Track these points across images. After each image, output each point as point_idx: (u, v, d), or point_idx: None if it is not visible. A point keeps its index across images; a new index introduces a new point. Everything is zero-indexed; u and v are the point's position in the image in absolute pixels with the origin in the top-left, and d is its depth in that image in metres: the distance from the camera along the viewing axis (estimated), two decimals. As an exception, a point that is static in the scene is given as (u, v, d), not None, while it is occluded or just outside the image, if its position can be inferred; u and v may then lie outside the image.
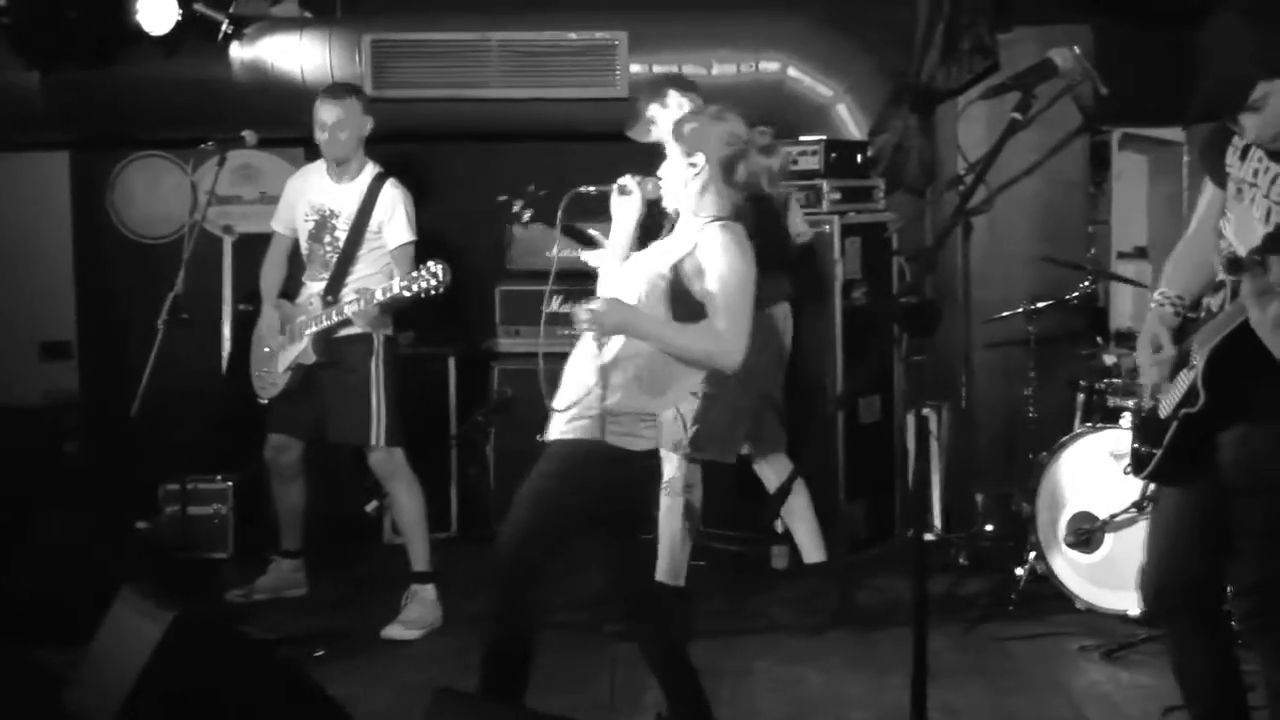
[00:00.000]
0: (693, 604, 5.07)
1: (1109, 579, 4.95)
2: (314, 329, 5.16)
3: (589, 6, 6.55)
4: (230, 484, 6.11)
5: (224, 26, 6.42)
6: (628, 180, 3.81)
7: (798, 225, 5.45)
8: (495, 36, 6.44)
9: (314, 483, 5.56)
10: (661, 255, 3.63)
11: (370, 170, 5.21)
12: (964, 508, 6.18)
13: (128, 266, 7.02)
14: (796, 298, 5.33)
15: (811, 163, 5.90)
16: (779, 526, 5.58)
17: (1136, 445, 3.32)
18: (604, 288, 3.75)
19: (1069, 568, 5.10)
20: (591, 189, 3.81)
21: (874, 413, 6.10)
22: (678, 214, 3.73)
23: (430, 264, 4.72)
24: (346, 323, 5.06)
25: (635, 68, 6.37)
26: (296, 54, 6.48)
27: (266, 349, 5.38)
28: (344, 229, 5.18)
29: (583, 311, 3.45)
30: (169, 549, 5.70)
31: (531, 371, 6.06)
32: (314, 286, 5.25)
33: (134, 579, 3.89)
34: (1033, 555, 5.21)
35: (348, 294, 5.09)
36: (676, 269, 3.55)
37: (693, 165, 3.63)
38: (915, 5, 6.29)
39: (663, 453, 4.97)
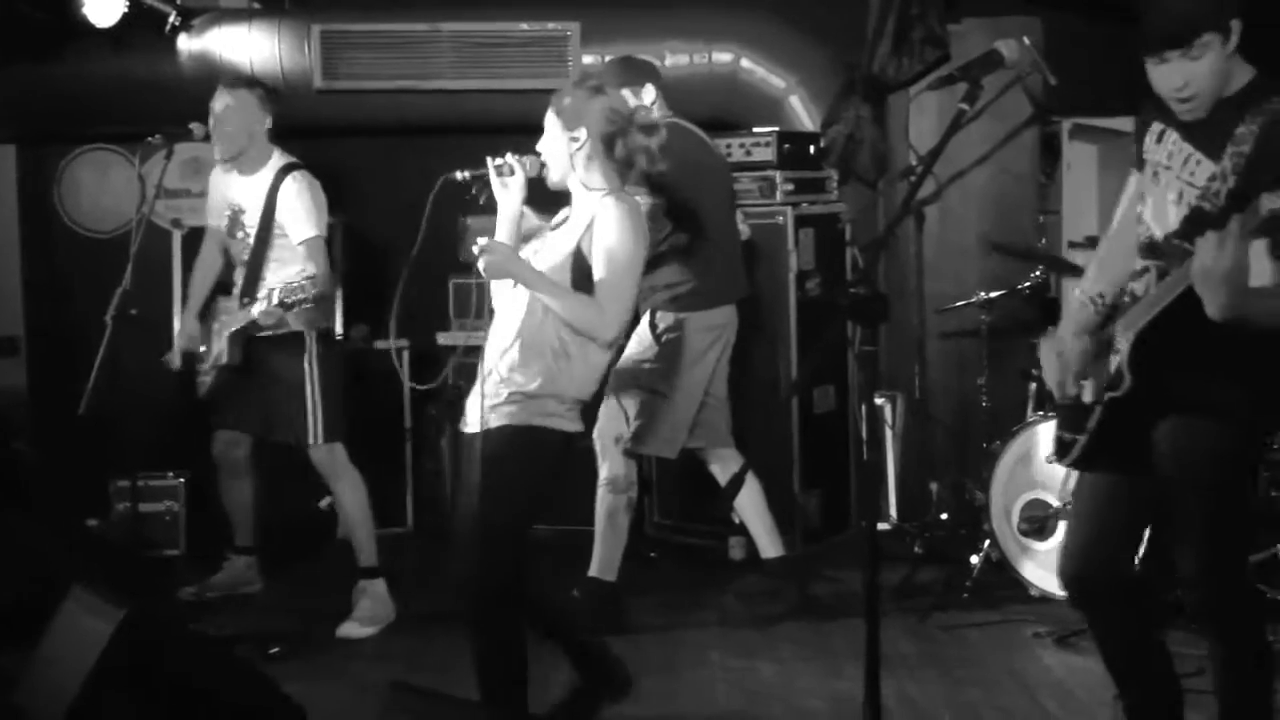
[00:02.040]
0: (626, 599, 5.08)
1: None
2: (230, 330, 5.10)
3: (541, -2, 6.54)
4: (182, 480, 6.06)
5: (172, 18, 6.35)
6: (509, 159, 3.73)
7: (741, 228, 5.47)
8: (446, 27, 6.41)
9: (266, 479, 5.52)
10: (567, 235, 3.69)
11: (276, 163, 5.09)
12: (919, 497, 6.21)
13: (76, 261, 6.94)
14: (756, 300, 5.34)
15: (765, 154, 5.90)
16: (735, 519, 5.58)
17: (1060, 433, 3.30)
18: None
19: (1022, 555, 5.15)
20: (466, 174, 3.73)
21: (828, 403, 6.12)
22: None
23: (307, 272, 4.72)
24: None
25: (588, 59, 6.35)
26: (245, 46, 6.42)
27: (202, 347, 5.32)
28: (252, 226, 5.09)
29: (474, 247, 3.58)
30: (120, 546, 5.65)
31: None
32: (238, 283, 5.18)
33: (84, 577, 3.85)
34: (987, 544, 5.25)
35: (263, 292, 4.97)
36: (579, 248, 3.63)
37: (575, 140, 3.68)
38: (867, -3, 6.31)
39: (599, 447, 5.01)
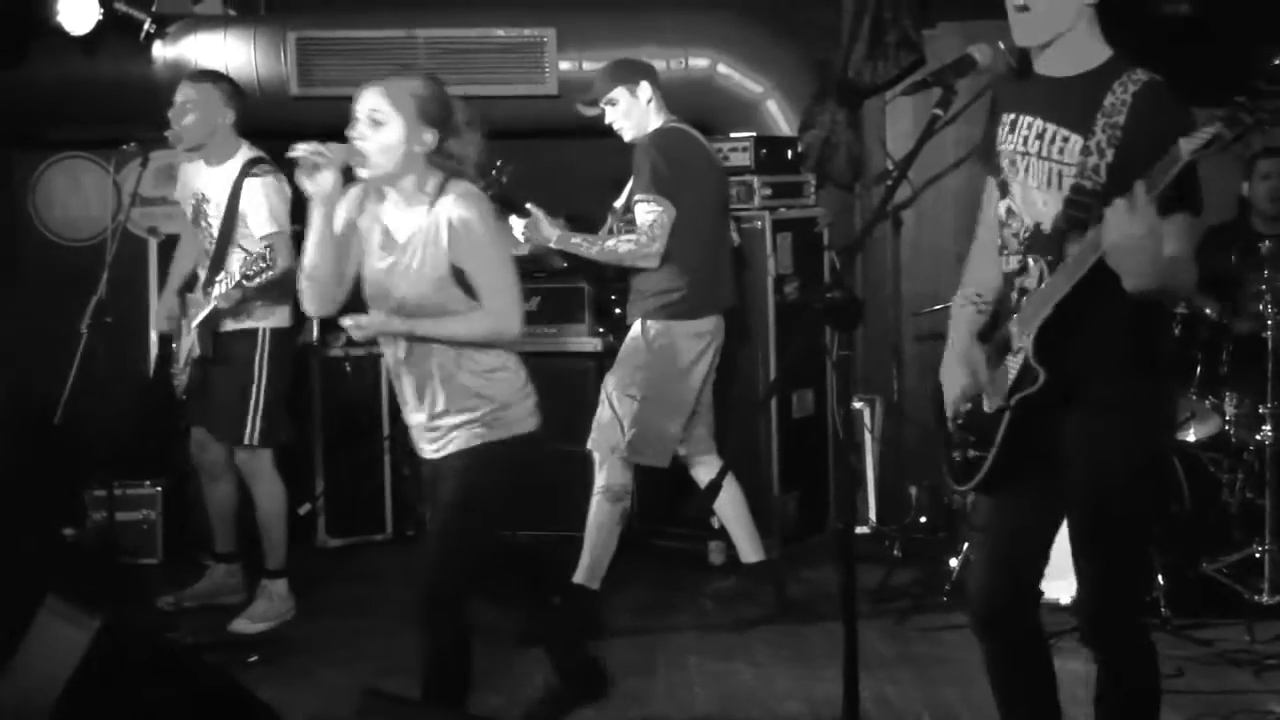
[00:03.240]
0: (603, 604, 5.07)
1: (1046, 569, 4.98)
2: (197, 320, 5.07)
3: (518, 3, 6.53)
4: (159, 489, 6.01)
5: (146, 25, 6.32)
6: (310, 149, 3.40)
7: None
8: (422, 33, 6.39)
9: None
10: (424, 251, 3.49)
11: (243, 155, 5.07)
12: (897, 500, 6.23)
13: (50, 269, 6.91)
14: (735, 305, 5.35)
15: (742, 159, 5.91)
16: (715, 523, 5.59)
17: (957, 454, 3.10)
18: (373, 285, 3.59)
19: (1000, 557, 5.15)
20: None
21: (806, 407, 6.13)
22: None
23: (265, 249, 4.68)
24: (225, 314, 4.98)
25: (564, 65, 6.35)
26: (220, 53, 6.39)
27: (174, 345, 5.30)
28: (216, 216, 5.05)
29: (350, 327, 3.48)
30: (96, 555, 5.62)
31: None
32: (202, 275, 5.15)
33: (60, 586, 3.83)
34: (965, 546, 5.25)
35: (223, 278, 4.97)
36: (451, 265, 3.47)
37: (422, 142, 3.46)
38: (842, 1, 6.33)
39: (598, 457, 5.00)
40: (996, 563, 3.08)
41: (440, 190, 3.50)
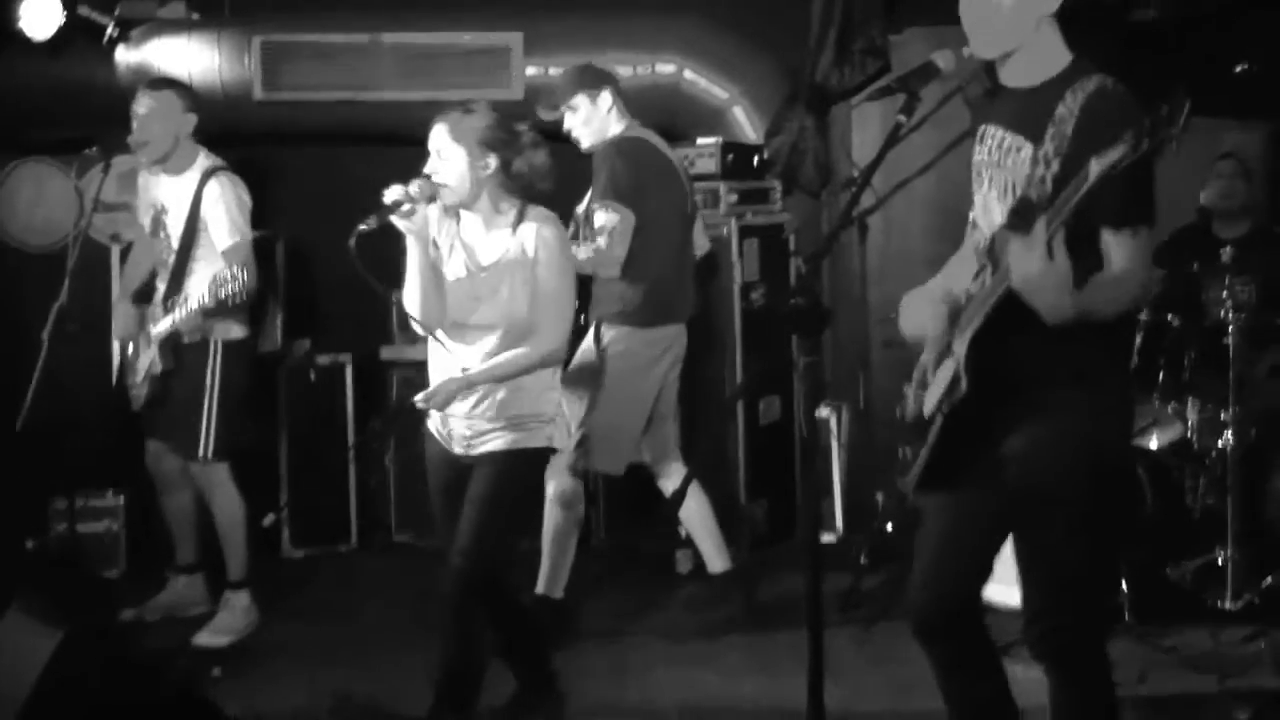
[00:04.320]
0: (570, 612, 5.06)
1: (1005, 574, 4.91)
2: (156, 334, 5.02)
3: (483, 8, 6.51)
4: (121, 499, 5.96)
5: (110, 30, 6.27)
6: (407, 190, 3.69)
7: (699, 239, 5.47)
8: (388, 38, 6.37)
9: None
10: (512, 269, 3.78)
11: (202, 164, 5.02)
12: (865, 507, 6.23)
13: (11, 276, 6.83)
14: (702, 312, 5.34)
15: (708, 165, 5.91)
16: (682, 531, 5.58)
17: (903, 454, 3.09)
18: (454, 307, 3.84)
19: (967, 564, 5.16)
20: (373, 221, 3.66)
21: (774, 414, 6.13)
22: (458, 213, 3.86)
23: (233, 266, 4.65)
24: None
25: (531, 70, 6.33)
26: (184, 57, 6.34)
27: (129, 354, 5.24)
28: (175, 226, 5.01)
29: (419, 400, 3.79)
30: (58, 566, 5.56)
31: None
32: (160, 287, 5.10)
33: (23, 597, 3.79)
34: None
35: (185, 296, 4.92)
36: (530, 272, 3.77)
37: (486, 166, 3.75)
38: (809, 7, 6.34)
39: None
40: (932, 570, 3.06)
41: (521, 215, 3.79)
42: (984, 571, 3.07)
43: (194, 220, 4.95)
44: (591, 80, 5.01)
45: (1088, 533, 2.92)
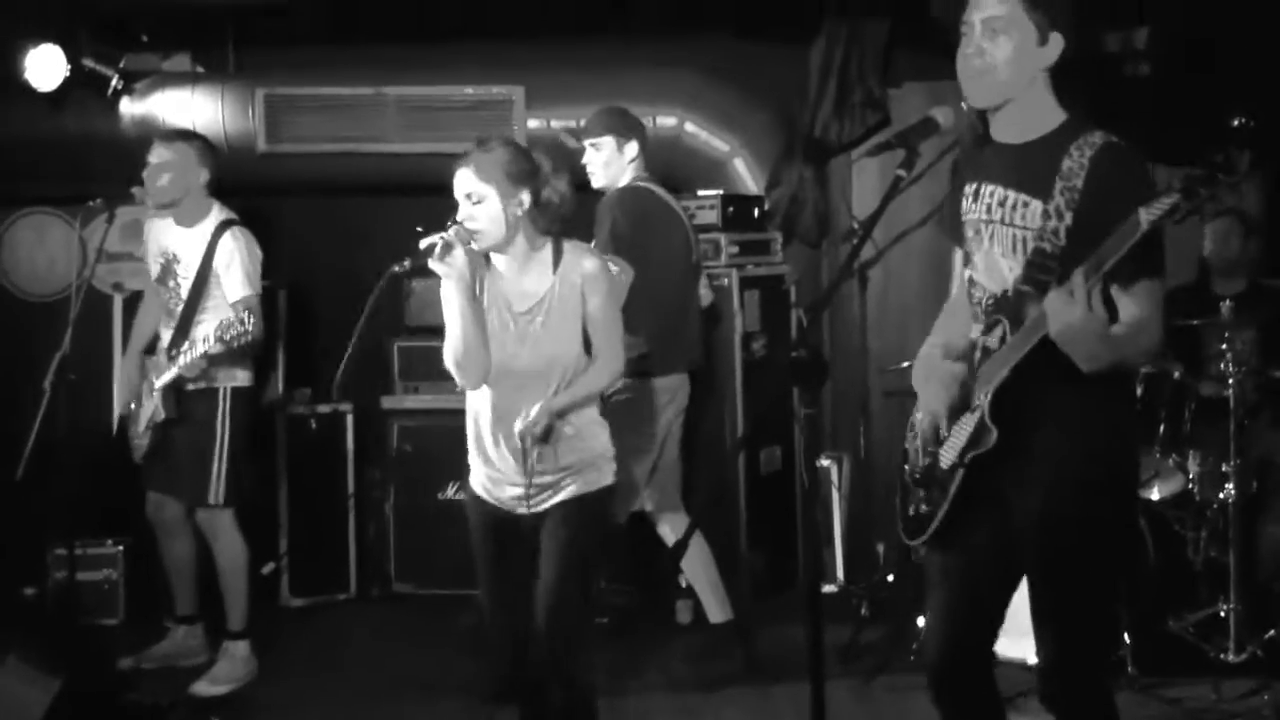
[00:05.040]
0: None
1: (1008, 627, 4.96)
2: (160, 383, 5.03)
3: (486, 61, 6.56)
4: (120, 548, 5.95)
5: (114, 82, 6.32)
6: (447, 236, 3.54)
7: (703, 291, 5.49)
8: (391, 91, 6.42)
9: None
10: (558, 306, 3.66)
11: (216, 216, 5.06)
12: (865, 557, 6.22)
13: (14, 325, 6.85)
14: (706, 362, 5.34)
15: (709, 216, 5.94)
16: (683, 581, 5.56)
17: (911, 508, 3.11)
18: (499, 364, 3.67)
19: (968, 615, 5.14)
20: (406, 264, 3.58)
21: (774, 463, 6.13)
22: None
23: (242, 314, 4.67)
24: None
25: (533, 122, 6.38)
26: (188, 109, 6.40)
27: (132, 406, 5.25)
28: (186, 276, 5.05)
29: (523, 433, 3.60)
30: (57, 615, 5.54)
31: (431, 428, 6.08)
32: (165, 336, 5.12)
33: (20, 647, 3.79)
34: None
35: (189, 344, 4.93)
36: (581, 306, 3.68)
37: (520, 203, 3.61)
38: (809, 61, 6.39)
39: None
40: (947, 622, 3.07)
41: (558, 252, 3.69)
42: (996, 622, 3.09)
43: (205, 271, 4.99)
44: (623, 127, 5.05)
45: (1104, 584, 2.98)
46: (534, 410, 3.61)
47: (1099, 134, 2.83)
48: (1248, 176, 2.46)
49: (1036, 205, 2.85)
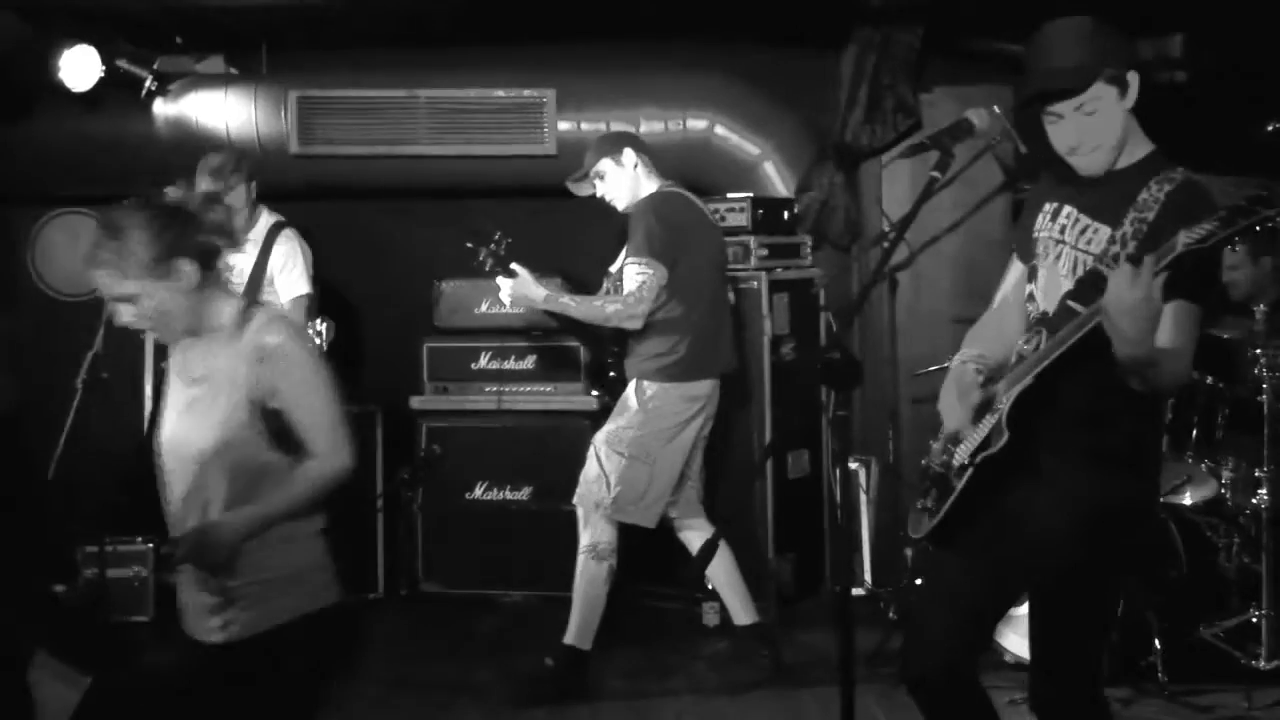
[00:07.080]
0: (596, 665, 5.03)
1: (1014, 625, 4.95)
2: None
3: (517, 64, 6.58)
4: (150, 546, 5.97)
5: (148, 83, 6.36)
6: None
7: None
8: (423, 93, 6.44)
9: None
10: (216, 392, 3.00)
11: (266, 220, 5.14)
12: (893, 562, 6.20)
13: (47, 325, 6.90)
14: (740, 366, 5.34)
15: (739, 220, 5.94)
16: (709, 584, 5.55)
17: (923, 504, 3.12)
18: (169, 450, 3.21)
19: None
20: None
21: (802, 468, 6.12)
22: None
23: (316, 323, 4.71)
24: None
25: (564, 125, 6.39)
26: (221, 110, 6.44)
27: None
28: (239, 278, 5.09)
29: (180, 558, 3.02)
30: (87, 613, 5.57)
31: (459, 429, 6.09)
32: None
33: (51, 644, 3.81)
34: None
35: None
36: (261, 403, 2.95)
37: (185, 276, 2.95)
38: (840, 64, 6.38)
39: (581, 513, 4.98)
40: (934, 623, 3.08)
41: (245, 318, 3.04)
42: (985, 629, 3.10)
43: (259, 273, 5.06)
44: (610, 144, 5.07)
45: (1104, 597, 2.99)
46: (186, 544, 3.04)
47: (1180, 170, 2.86)
48: None
49: (1105, 231, 2.89)
